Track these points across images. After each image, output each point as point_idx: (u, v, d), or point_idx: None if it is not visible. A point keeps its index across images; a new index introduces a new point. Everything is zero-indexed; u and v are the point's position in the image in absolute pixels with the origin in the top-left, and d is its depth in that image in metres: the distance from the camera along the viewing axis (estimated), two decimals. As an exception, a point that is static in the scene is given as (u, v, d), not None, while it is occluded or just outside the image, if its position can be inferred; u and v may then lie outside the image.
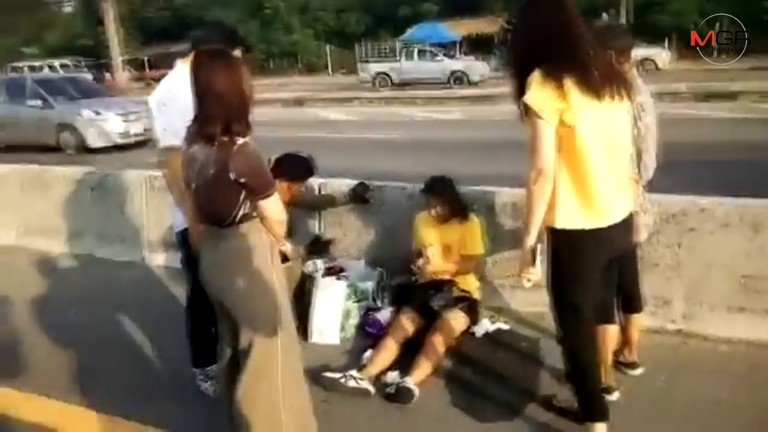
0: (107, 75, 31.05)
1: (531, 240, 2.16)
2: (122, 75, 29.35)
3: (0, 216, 5.55)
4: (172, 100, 2.61)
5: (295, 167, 3.48)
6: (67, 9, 48.86)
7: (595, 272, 2.27)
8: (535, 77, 2.06)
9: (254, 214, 2.13)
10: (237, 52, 2.67)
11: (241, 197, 2.08)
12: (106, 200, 5.05)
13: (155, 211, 4.73)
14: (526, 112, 2.08)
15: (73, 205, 5.21)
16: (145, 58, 26.32)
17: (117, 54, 30.26)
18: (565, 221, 2.15)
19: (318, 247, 3.77)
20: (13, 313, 3.94)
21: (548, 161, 2.07)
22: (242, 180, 2.03)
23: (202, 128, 2.06)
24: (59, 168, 5.47)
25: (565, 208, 2.14)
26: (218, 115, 2.02)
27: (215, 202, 2.12)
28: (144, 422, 2.68)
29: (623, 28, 3.62)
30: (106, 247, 5.04)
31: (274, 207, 2.15)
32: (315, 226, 4.18)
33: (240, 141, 2.05)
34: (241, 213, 2.10)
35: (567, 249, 2.20)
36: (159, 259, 4.74)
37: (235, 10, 37.19)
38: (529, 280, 2.21)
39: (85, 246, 5.15)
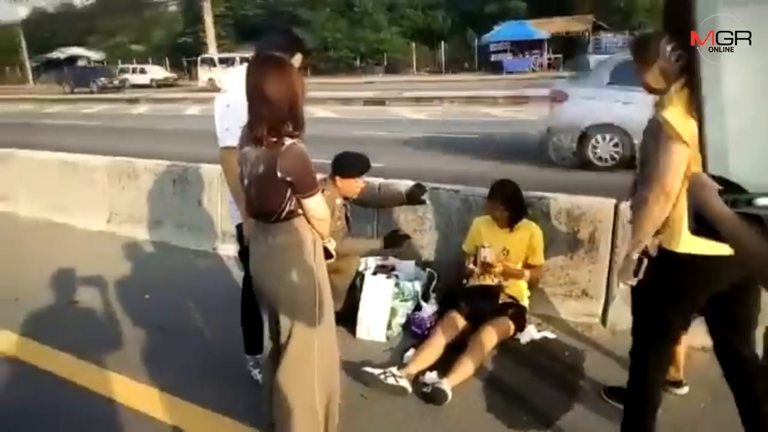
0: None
1: (637, 252, 2.14)
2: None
3: (93, 204, 6.05)
4: (234, 102, 2.77)
5: (357, 163, 3.64)
6: (172, 8, 51.90)
7: (701, 298, 2.17)
8: (678, 92, 1.88)
9: (300, 211, 2.26)
10: (297, 58, 2.81)
11: (287, 195, 2.20)
12: (186, 192, 5.38)
13: (228, 204, 5.00)
14: (660, 127, 1.93)
15: (156, 196, 5.60)
16: (237, 57, 27.41)
17: (214, 51, 31.90)
18: (689, 246, 2.03)
19: (394, 240, 3.73)
20: (97, 293, 4.30)
21: (675, 186, 1.97)
22: (288, 178, 2.15)
23: (251, 130, 2.22)
24: (145, 160, 5.89)
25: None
26: (265, 118, 2.15)
27: (264, 199, 2.25)
28: (201, 404, 2.86)
29: None
30: (183, 236, 5.38)
31: (317, 206, 2.25)
32: (371, 224, 4.27)
33: (288, 142, 2.17)
34: (287, 210, 2.22)
35: (681, 271, 2.10)
36: (229, 250, 4.99)
37: (326, 9, 38.19)
38: (626, 284, 2.23)
39: (165, 234, 5.51)
